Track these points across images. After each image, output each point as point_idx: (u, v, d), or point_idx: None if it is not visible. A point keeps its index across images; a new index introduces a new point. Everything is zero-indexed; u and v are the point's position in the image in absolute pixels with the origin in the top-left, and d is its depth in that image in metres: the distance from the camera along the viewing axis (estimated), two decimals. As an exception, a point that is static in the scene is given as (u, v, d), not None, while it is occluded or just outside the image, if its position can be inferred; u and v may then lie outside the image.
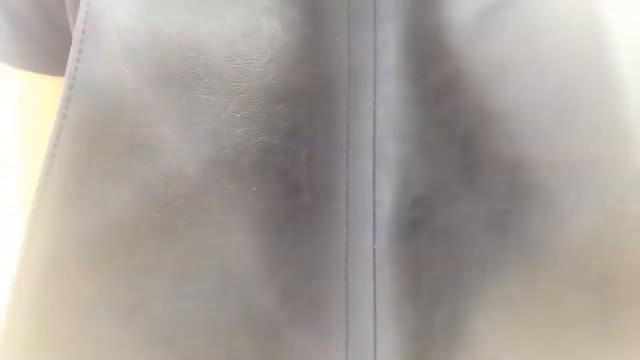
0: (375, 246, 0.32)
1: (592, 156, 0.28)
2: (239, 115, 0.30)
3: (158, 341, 0.29)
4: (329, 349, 0.30)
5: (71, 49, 0.30)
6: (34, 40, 0.42)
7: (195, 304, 0.29)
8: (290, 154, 0.31)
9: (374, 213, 0.32)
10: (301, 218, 0.31)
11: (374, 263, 0.31)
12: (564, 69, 0.28)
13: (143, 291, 0.29)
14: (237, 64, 0.30)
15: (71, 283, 0.30)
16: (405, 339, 0.30)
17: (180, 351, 0.29)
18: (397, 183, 0.31)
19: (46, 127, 0.36)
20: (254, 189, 0.30)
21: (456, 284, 0.30)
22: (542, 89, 0.29)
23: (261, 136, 0.30)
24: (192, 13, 0.29)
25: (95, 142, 0.29)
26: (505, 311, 0.29)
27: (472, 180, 0.30)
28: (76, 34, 0.30)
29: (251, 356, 0.30)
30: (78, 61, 0.30)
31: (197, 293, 0.29)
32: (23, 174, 0.60)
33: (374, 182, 0.32)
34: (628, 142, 0.28)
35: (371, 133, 0.32)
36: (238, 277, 0.30)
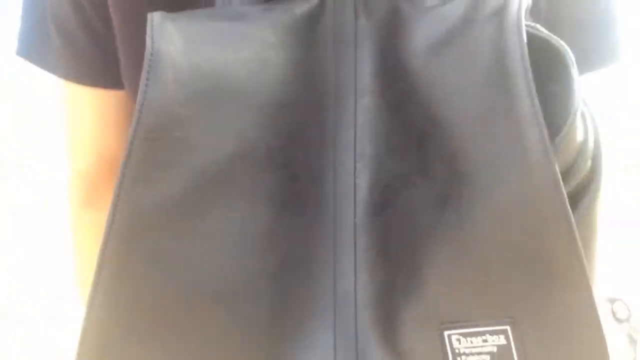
0: (355, 220, 0.45)
1: (504, 150, 0.40)
2: (252, 123, 0.43)
3: (198, 290, 0.41)
4: (319, 294, 0.43)
5: (141, 78, 0.43)
6: (80, 56, 0.58)
7: (223, 260, 0.42)
8: (290, 151, 0.44)
9: (355, 195, 0.45)
10: (298, 199, 0.44)
11: (355, 233, 0.44)
12: (481, 92, 0.40)
13: (189, 250, 0.42)
14: (252, 85, 0.42)
15: (147, 241, 0.42)
16: (377, 287, 0.43)
17: (212, 295, 0.41)
18: (372, 174, 0.44)
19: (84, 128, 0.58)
20: (263, 176, 0.43)
21: (412, 248, 0.43)
22: (467, 104, 0.41)
23: (269, 138, 0.43)
24: (219, 50, 0.42)
25: (155, 140, 0.41)
26: (446, 267, 0.42)
27: (424, 172, 0.43)
28: (144, 66, 0.42)
29: (262, 301, 0.42)
30: (147, 86, 0.42)
31: (225, 252, 0.42)
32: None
33: (354, 172, 0.45)
34: (525, 141, 0.38)
35: (352, 136, 0.45)
36: (252, 243, 0.43)
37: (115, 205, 0.41)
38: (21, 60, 0.72)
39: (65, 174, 0.65)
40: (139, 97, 0.42)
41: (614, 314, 0.57)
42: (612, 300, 0.59)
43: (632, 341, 0.56)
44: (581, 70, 0.49)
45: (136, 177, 0.41)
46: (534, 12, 0.51)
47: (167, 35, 0.40)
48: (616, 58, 0.58)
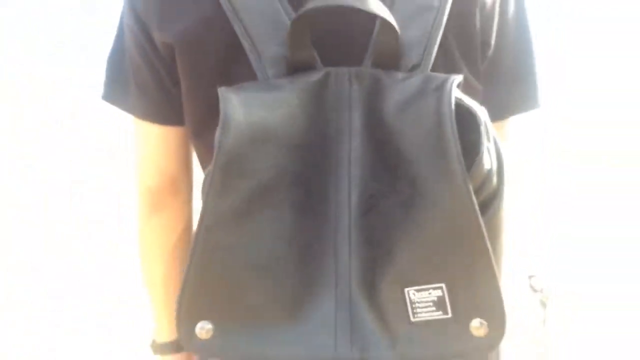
0: (350, 221, 0.69)
1: (440, 178, 0.63)
2: (284, 157, 0.65)
3: (251, 263, 0.65)
4: (325, 269, 0.68)
5: (217, 130, 0.65)
6: (152, 102, 0.82)
7: (265, 245, 0.66)
8: (306, 175, 0.67)
9: (349, 204, 0.69)
10: (311, 207, 0.69)
11: (349, 229, 0.69)
12: (428, 140, 0.64)
13: (246, 239, 0.66)
14: (284, 133, 0.66)
15: (222, 232, 0.66)
16: (364, 265, 0.68)
17: (260, 266, 0.65)
18: (360, 190, 0.69)
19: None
20: (289, 192, 0.66)
21: (387, 237, 0.67)
22: (420, 149, 0.64)
23: (293, 166, 0.66)
24: (263, 111, 0.65)
25: (226, 170, 0.64)
26: (407, 249, 0.66)
27: (395, 189, 0.67)
28: (220, 124, 0.64)
29: (289, 272, 0.67)
30: (221, 135, 0.65)
31: (267, 240, 0.65)
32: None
33: (349, 189, 0.70)
34: (452, 172, 0.62)
35: (347, 166, 0.69)
36: (282, 235, 0.67)
37: (204, 208, 0.67)
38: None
39: (135, 189, 0.89)
40: (216, 142, 0.65)
41: (531, 286, 1.04)
42: (531, 276, 1.06)
43: (543, 304, 1.11)
44: (512, 114, 0.84)
45: (215, 192, 0.65)
46: (474, 73, 0.77)
47: (230, 102, 0.63)
48: (537, 105, 0.88)
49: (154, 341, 1.07)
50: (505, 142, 0.80)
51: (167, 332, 1.01)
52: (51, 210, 6.39)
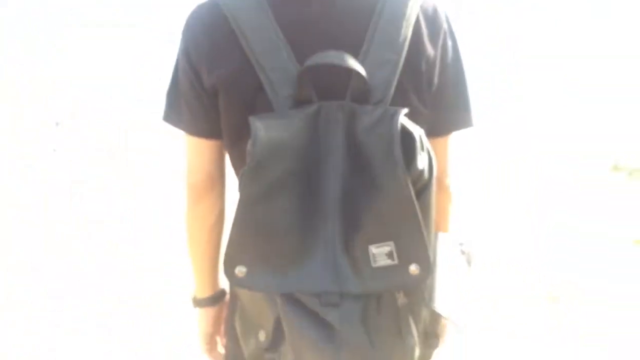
0: (334, 203, 0.97)
1: (391, 177, 0.93)
2: (292, 162, 0.94)
3: (273, 226, 0.94)
4: (319, 236, 0.96)
5: (249, 143, 0.92)
6: (198, 122, 1.08)
7: (281, 216, 0.95)
8: (306, 174, 0.96)
9: (334, 192, 0.96)
10: (311, 196, 0.96)
11: (334, 209, 0.96)
12: (383, 153, 0.93)
13: (269, 211, 0.94)
14: (292, 147, 0.94)
15: (253, 207, 0.93)
16: (344, 232, 0.96)
17: (278, 229, 0.95)
18: (341, 183, 0.97)
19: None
20: (296, 186, 0.96)
21: (358, 214, 0.96)
22: (380, 160, 0.92)
23: (298, 169, 0.95)
24: (278, 132, 0.94)
25: (254, 169, 0.91)
26: (371, 222, 0.95)
27: (363, 184, 0.95)
28: (251, 140, 0.91)
29: (295, 234, 0.96)
30: (252, 146, 0.91)
31: (282, 213, 0.94)
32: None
33: (334, 183, 0.97)
34: (398, 174, 0.91)
35: (333, 168, 0.97)
36: (292, 211, 0.96)
37: (241, 194, 0.94)
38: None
39: (183, 185, 1.18)
40: (248, 151, 0.93)
41: (462, 251, 1.14)
42: (461, 244, 1.14)
43: (469, 263, 1.15)
44: (453, 131, 1.15)
45: (248, 183, 0.93)
46: (422, 103, 1.06)
47: (257, 126, 0.91)
48: (472, 124, 1.16)
49: (194, 297, 1.30)
50: (450, 149, 1.17)
51: (204, 290, 1.28)
52: (51, 210, 6.39)
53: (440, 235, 1.06)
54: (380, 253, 0.94)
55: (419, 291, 0.99)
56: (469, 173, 8.01)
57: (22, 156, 10.34)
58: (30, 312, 3.43)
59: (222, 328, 1.31)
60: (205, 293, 1.28)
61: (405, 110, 0.94)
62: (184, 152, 1.15)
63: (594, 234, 4.47)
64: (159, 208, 6.49)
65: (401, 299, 0.97)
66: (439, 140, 1.12)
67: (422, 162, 0.93)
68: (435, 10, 1.07)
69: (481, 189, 6.87)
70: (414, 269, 0.93)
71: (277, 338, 0.97)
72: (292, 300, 0.94)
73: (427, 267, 0.93)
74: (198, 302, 1.30)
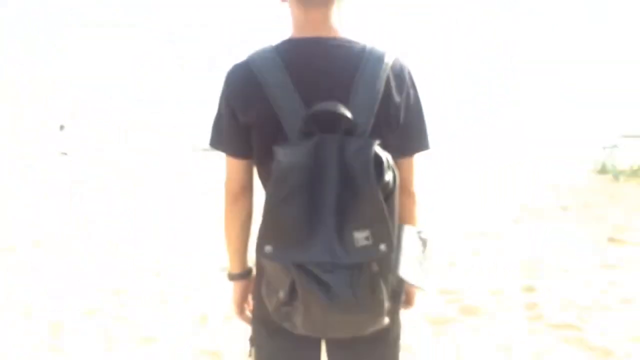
0: (331, 203, 1.35)
1: (369, 188, 1.33)
2: (305, 175, 1.34)
3: (291, 208, 1.35)
4: (322, 220, 1.34)
5: (273, 163, 1.34)
6: (236, 147, 1.53)
7: (296, 210, 1.34)
8: (312, 185, 1.35)
9: (331, 196, 1.36)
10: (317, 195, 1.35)
11: (330, 207, 1.35)
12: (361, 172, 1.35)
13: (290, 200, 1.34)
14: (303, 166, 1.35)
15: (279, 202, 1.37)
16: (337, 220, 1.35)
17: (295, 210, 1.34)
18: (336, 191, 1.35)
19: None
20: (308, 188, 1.35)
21: (345, 206, 1.35)
22: (361, 177, 1.33)
23: (307, 179, 1.35)
24: (294, 157, 1.36)
25: (278, 179, 1.34)
26: (354, 213, 1.34)
27: (348, 190, 1.35)
28: (274, 161, 1.34)
29: (305, 221, 1.35)
30: (275, 166, 1.33)
31: (299, 202, 1.34)
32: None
33: (331, 190, 1.35)
34: (373, 185, 1.32)
35: (329, 181, 1.35)
36: (306, 201, 1.35)
37: (268, 196, 1.34)
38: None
39: (224, 191, 1.59)
40: (273, 169, 1.33)
41: (420, 237, 1.47)
42: (420, 232, 1.48)
43: (424, 245, 1.48)
44: (414, 153, 1.55)
45: (272, 189, 1.32)
46: (391, 134, 1.45)
47: (278, 152, 1.32)
48: (428, 147, 1.57)
49: (229, 273, 1.71)
50: (414, 166, 1.58)
51: (237, 267, 1.68)
52: (51, 211, 6.40)
53: (405, 226, 1.49)
54: (361, 237, 1.35)
55: (387, 262, 1.38)
56: (468, 175, 8.05)
57: (22, 156, 10.34)
58: (30, 311, 3.45)
59: (250, 297, 1.70)
60: (237, 270, 1.68)
61: (377, 142, 1.35)
62: (224, 167, 1.61)
63: (570, 232, 4.58)
64: (159, 208, 6.50)
65: (374, 268, 1.35)
66: (406, 160, 1.53)
67: (388, 177, 1.35)
68: (401, 69, 1.50)
69: (479, 190, 6.91)
70: (382, 247, 1.33)
71: (291, 296, 1.37)
72: (302, 269, 1.34)
73: (391, 246, 1.34)
74: (232, 277, 1.70)
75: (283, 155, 1.35)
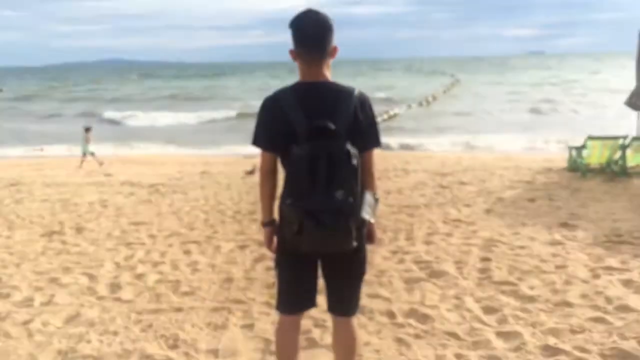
0: (324, 180, 2.25)
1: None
2: (307, 165, 2.22)
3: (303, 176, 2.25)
4: (322, 188, 2.21)
5: (290, 155, 2.28)
6: (272, 146, 2.41)
7: (303, 180, 2.22)
8: (313, 173, 2.21)
9: (323, 175, 2.25)
10: (315, 175, 2.21)
11: (325, 180, 2.23)
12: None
13: (296, 178, 2.26)
14: (306, 159, 2.24)
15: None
16: (329, 186, 2.22)
17: (303, 178, 2.23)
18: (327, 174, 2.24)
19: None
20: (309, 173, 2.24)
21: (332, 182, 2.24)
22: (343, 162, 2.28)
23: (311, 167, 2.22)
24: (301, 151, 2.26)
25: (293, 166, 2.25)
26: (341, 184, 2.25)
27: (335, 172, 2.27)
28: (290, 154, 2.29)
29: (310, 187, 2.22)
30: (290, 156, 2.26)
31: (303, 177, 2.22)
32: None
33: (324, 174, 2.24)
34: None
35: (323, 168, 2.23)
36: (311, 176, 2.22)
37: (286, 175, 2.28)
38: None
39: (260, 172, 2.49)
40: (290, 158, 2.26)
41: (374, 197, 2.34)
42: (374, 194, 2.35)
43: (377, 201, 2.37)
44: (371, 148, 2.42)
45: (289, 168, 2.27)
46: (357, 136, 2.32)
47: (293, 149, 2.25)
48: (380, 145, 2.46)
49: (262, 221, 2.54)
50: (373, 156, 2.41)
51: (266, 217, 2.50)
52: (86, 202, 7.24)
53: (366, 190, 2.31)
54: (339, 194, 2.16)
55: (353, 208, 2.19)
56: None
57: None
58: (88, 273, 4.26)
59: (275, 237, 2.52)
60: (267, 219, 2.52)
61: (349, 142, 2.22)
62: (260, 157, 2.45)
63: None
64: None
65: (346, 211, 2.18)
66: (367, 153, 2.37)
67: (354, 162, 2.20)
68: (363, 97, 2.41)
69: (463, 185, 7.74)
70: (350, 200, 2.17)
71: (300, 229, 2.19)
72: (307, 212, 2.16)
73: (356, 199, 2.19)
74: (264, 224, 2.54)
75: (296, 150, 2.21)
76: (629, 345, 2.87)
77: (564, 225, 5.35)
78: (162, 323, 3.35)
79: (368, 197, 2.28)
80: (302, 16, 2.36)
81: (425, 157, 12.26)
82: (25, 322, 3.40)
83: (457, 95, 35.17)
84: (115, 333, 3.23)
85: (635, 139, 7.99)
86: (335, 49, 2.41)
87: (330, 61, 2.42)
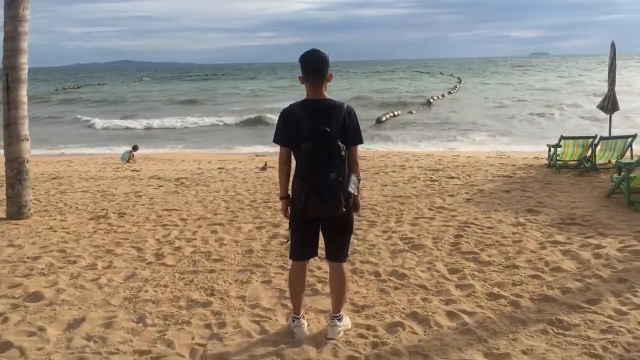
0: (323, 167, 3.36)
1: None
2: (312, 157, 3.27)
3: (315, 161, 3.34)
4: (322, 171, 3.27)
5: (301, 148, 3.36)
6: (282, 138, 3.46)
7: (307, 166, 3.30)
8: (316, 160, 3.26)
9: (324, 163, 3.33)
10: (318, 164, 3.27)
11: (324, 166, 3.29)
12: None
13: (305, 165, 3.34)
14: (312, 152, 3.30)
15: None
16: (326, 171, 3.27)
17: (311, 162, 3.30)
18: (327, 162, 3.29)
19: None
20: (312, 163, 3.31)
21: (329, 163, 3.30)
22: (336, 153, 3.37)
23: (314, 159, 3.29)
24: (310, 144, 3.33)
25: (304, 157, 3.31)
26: (333, 171, 3.33)
27: (332, 160, 3.35)
28: (301, 148, 3.32)
29: (315, 170, 3.28)
30: (302, 149, 3.31)
31: (307, 163, 3.29)
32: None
33: (324, 161, 3.31)
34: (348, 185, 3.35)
35: (324, 158, 3.29)
36: (318, 162, 3.29)
37: (297, 163, 3.37)
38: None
39: (278, 160, 3.49)
40: (301, 151, 3.35)
41: (357, 178, 3.39)
42: (358, 176, 3.42)
43: (359, 180, 3.40)
44: (355, 144, 3.44)
45: (300, 158, 3.34)
46: (346, 134, 3.35)
47: (302, 145, 3.30)
48: (361, 142, 3.48)
49: (280, 196, 3.55)
50: (357, 150, 3.42)
51: (283, 192, 3.50)
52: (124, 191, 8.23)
53: (351, 173, 3.28)
54: (333, 175, 3.18)
55: (342, 185, 3.20)
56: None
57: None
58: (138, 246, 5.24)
59: (289, 208, 3.50)
60: (283, 194, 3.50)
61: (340, 140, 3.25)
62: (279, 150, 3.39)
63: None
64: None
65: (338, 187, 3.19)
66: (353, 147, 3.37)
67: (343, 153, 3.22)
68: (350, 109, 3.41)
69: (451, 179, 8.69)
70: (340, 179, 3.20)
71: (306, 200, 3.22)
72: (312, 188, 3.19)
73: (344, 179, 3.21)
74: (281, 198, 3.52)
75: (303, 146, 3.18)
76: (553, 293, 3.82)
77: (530, 211, 6.31)
78: (200, 280, 4.31)
79: (353, 178, 3.27)
80: (308, 54, 3.37)
81: (424, 155, 13.21)
82: (94, 279, 4.39)
83: (462, 96, 36.02)
84: (166, 286, 4.20)
85: (602, 138, 8.89)
86: (330, 76, 3.40)
87: (328, 84, 3.41)
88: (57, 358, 3.13)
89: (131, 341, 3.30)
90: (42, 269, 4.70)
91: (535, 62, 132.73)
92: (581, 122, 21.94)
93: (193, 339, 3.33)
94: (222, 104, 36.71)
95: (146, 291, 4.12)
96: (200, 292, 4.09)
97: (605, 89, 10.39)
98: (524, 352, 3.02)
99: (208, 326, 3.50)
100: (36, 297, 4.05)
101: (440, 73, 74.51)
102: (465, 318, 3.47)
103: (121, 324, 3.55)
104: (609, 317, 3.43)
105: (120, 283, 4.32)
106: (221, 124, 25.81)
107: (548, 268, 4.35)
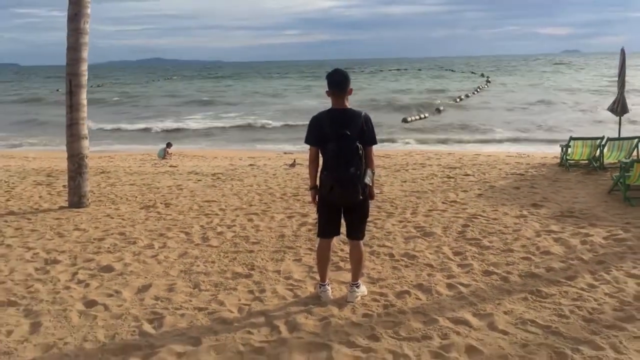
0: (342, 161, 4.25)
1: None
2: (334, 154, 4.13)
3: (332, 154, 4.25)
4: (343, 164, 4.11)
5: (327, 147, 4.19)
6: (312, 139, 4.38)
7: (332, 160, 4.14)
8: (337, 156, 4.11)
9: (343, 157, 4.23)
10: (339, 158, 4.14)
11: (343, 161, 4.17)
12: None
13: (330, 161, 4.21)
14: (335, 150, 4.15)
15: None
16: (346, 164, 4.13)
17: (332, 154, 4.16)
18: (346, 157, 4.16)
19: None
20: (335, 159, 4.17)
21: (349, 163, 4.18)
22: (355, 152, 4.28)
23: (337, 155, 4.17)
24: (333, 145, 4.17)
25: (328, 155, 4.13)
26: (352, 166, 4.21)
27: (350, 157, 4.23)
28: (325, 149, 4.20)
29: (334, 163, 4.14)
30: (327, 149, 4.15)
31: (330, 156, 4.13)
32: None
33: (343, 157, 4.18)
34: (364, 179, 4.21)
35: (343, 155, 4.16)
36: (338, 155, 4.17)
37: (324, 159, 4.18)
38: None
39: (309, 158, 4.42)
40: (325, 150, 4.23)
41: (372, 172, 4.21)
42: (372, 171, 4.28)
43: (374, 174, 4.26)
44: (370, 145, 4.29)
45: (326, 157, 4.15)
46: (362, 136, 4.18)
47: (327, 145, 4.15)
48: (376, 143, 4.34)
49: (310, 187, 4.42)
50: (372, 150, 4.23)
51: (312, 183, 4.37)
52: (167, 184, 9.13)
53: (367, 168, 4.11)
54: (352, 169, 4.00)
55: (360, 177, 4.02)
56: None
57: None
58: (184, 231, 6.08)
59: (317, 196, 4.35)
60: (312, 185, 4.36)
61: (358, 141, 4.07)
62: (309, 150, 4.26)
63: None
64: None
65: (356, 179, 4.01)
66: (369, 148, 4.19)
67: (360, 152, 4.04)
68: (367, 116, 4.24)
69: (465, 177, 9.35)
70: (358, 172, 4.03)
71: (331, 189, 4.07)
72: (336, 178, 4.01)
73: (362, 172, 4.04)
74: (310, 188, 4.40)
75: (329, 146, 3.98)
76: (539, 271, 4.51)
77: (534, 205, 6.97)
78: (242, 258, 5.09)
79: (368, 171, 4.05)
80: (332, 73, 4.18)
81: (446, 154, 13.85)
82: (153, 256, 5.21)
83: (490, 95, 36.30)
84: (213, 262, 4.99)
85: (610, 139, 9.45)
86: (350, 90, 4.20)
87: (348, 96, 4.24)
88: (134, 311, 3.91)
89: (190, 301, 4.07)
90: (108, 247, 5.56)
91: (568, 59, 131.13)
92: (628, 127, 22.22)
93: (239, 300, 4.09)
94: (248, 104, 37.49)
95: (198, 266, 4.93)
96: (242, 267, 4.88)
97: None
98: (505, 313, 3.71)
99: (251, 292, 4.26)
100: (108, 269, 4.89)
101: (472, 72, 74.22)
102: (462, 289, 4.18)
103: (181, 289, 4.33)
104: (581, 289, 4.10)
105: (175, 259, 5.14)
106: (250, 122, 26.58)
107: (539, 252, 5.04)
